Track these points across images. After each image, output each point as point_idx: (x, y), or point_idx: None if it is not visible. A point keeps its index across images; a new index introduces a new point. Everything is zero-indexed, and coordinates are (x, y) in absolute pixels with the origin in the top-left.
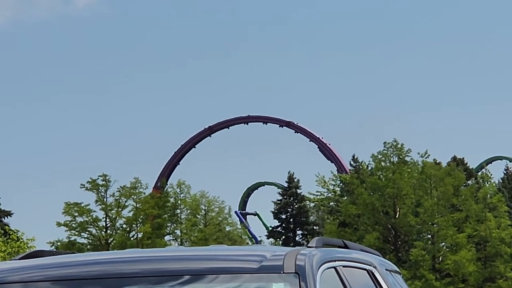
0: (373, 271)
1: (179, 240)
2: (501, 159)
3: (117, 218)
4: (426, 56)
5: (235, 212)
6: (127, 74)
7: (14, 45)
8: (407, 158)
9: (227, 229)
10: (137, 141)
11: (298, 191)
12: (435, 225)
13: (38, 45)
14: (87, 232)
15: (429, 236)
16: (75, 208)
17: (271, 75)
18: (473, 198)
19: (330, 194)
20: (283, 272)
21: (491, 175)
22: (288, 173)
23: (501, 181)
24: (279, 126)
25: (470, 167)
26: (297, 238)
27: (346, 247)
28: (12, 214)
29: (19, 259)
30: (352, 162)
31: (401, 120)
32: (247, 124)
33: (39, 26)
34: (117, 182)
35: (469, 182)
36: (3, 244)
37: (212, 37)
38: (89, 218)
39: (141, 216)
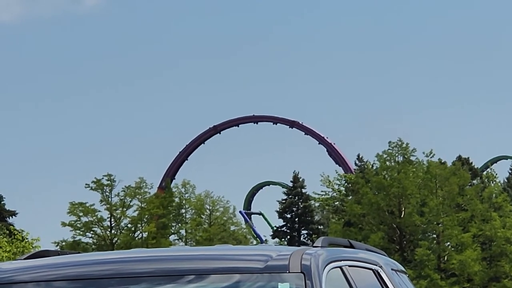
0: (379, 270)
1: (183, 240)
2: (506, 159)
3: (122, 218)
4: (431, 56)
5: (240, 211)
6: (132, 74)
7: (20, 43)
8: (412, 158)
9: (231, 229)
10: (142, 141)
11: (303, 190)
12: (440, 225)
13: (44, 44)
14: (91, 232)
15: (434, 235)
16: (79, 208)
17: (276, 75)
18: (478, 197)
19: (335, 194)
20: (289, 272)
21: (496, 174)
22: (293, 172)
23: (506, 180)
24: (290, 127)
25: (475, 167)
26: (301, 238)
27: (351, 246)
28: (16, 214)
29: (25, 259)
30: (357, 162)
31: (406, 120)
32: (253, 123)
33: (46, 24)
34: (122, 182)
35: (474, 181)
36: (8, 244)
37: (217, 37)
38: (94, 218)
39: (146, 216)
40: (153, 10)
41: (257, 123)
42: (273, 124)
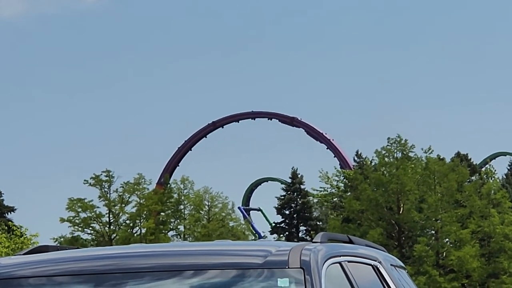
0: (378, 266)
1: (182, 235)
2: (505, 155)
3: (121, 214)
4: (430, 53)
5: (239, 207)
6: (131, 70)
7: (21, 39)
8: (410, 154)
9: (230, 225)
10: (141, 137)
11: (302, 186)
12: (438, 221)
13: (44, 41)
14: (90, 228)
15: (433, 232)
16: (78, 204)
17: (275, 72)
18: (477, 194)
19: (333, 190)
20: (288, 267)
21: (495, 171)
22: (292, 168)
23: (505, 177)
24: (284, 122)
25: (474, 163)
26: (300, 234)
27: (351, 242)
28: (15, 209)
29: (24, 254)
30: (355, 158)
31: (405, 116)
32: (252, 119)
33: (48, 21)
34: (121, 178)
35: (473, 178)
36: (6, 240)
37: (216, 33)
38: (92, 214)
39: (145, 212)
40: (153, 7)
41: (256, 119)
42: (272, 120)
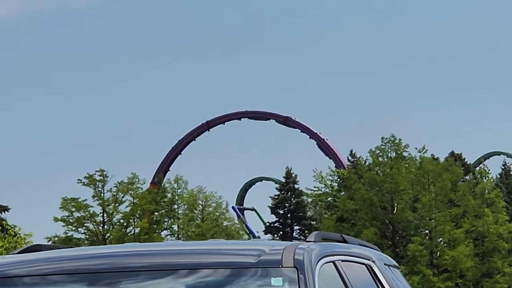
0: (371, 265)
1: (176, 235)
2: (499, 155)
3: (114, 214)
4: (424, 53)
5: (232, 207)
6: (124, 70)
7: (16, 39)
8: (404, 154)
9: (224, 224)
10: (135, 137)
11: (296, 186)
12: (432, 221)
13: (38, 39)
14: (84, 228)
15: (427, 231)
16: (72, 203)
17: (269, 71)
18: (470, 193)
19: (327, 189)
20: (282, 266)
21: (489, 170)
22: (286, 168)
23: (498, 176)
24: (278, 122)
25: (468, 163)
26: (294, 234)
27: (344, 241)
28: (9, 209)
29: (18, 253)
30: (349, 158)
31: (399, 116)
32: (246, 119)
33: (43, 19)
34: (115, 178)
35: (467, 177)
36: (0, 239)
37: (210, 34)
38: (86, 213)
39: (138, 212)
40: (150, 6)
41: (249, 119)
42: (266, 119)
